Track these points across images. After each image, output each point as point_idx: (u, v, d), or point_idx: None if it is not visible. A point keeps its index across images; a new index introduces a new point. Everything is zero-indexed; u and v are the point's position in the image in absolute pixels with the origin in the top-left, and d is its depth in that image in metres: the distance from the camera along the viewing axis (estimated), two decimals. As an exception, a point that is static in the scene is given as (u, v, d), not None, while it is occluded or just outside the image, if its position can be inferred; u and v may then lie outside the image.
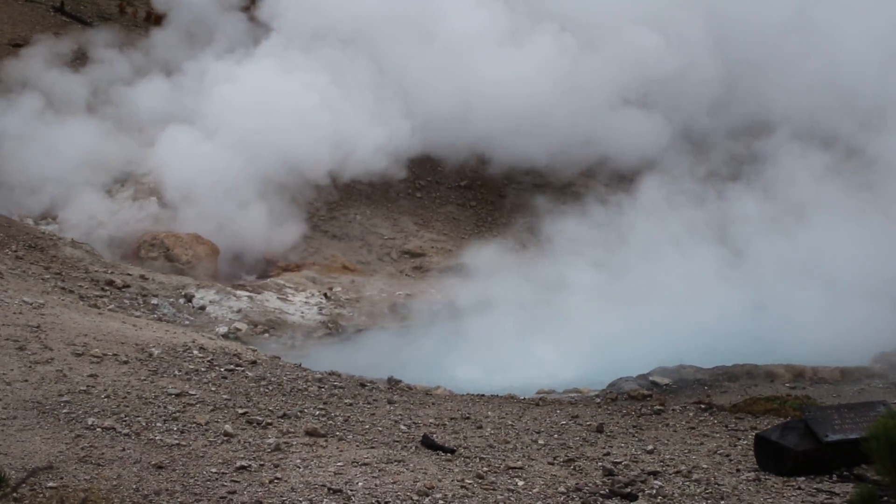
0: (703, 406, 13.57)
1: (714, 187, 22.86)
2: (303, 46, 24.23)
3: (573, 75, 24.77)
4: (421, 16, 24.93)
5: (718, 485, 10.29)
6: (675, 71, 25.22)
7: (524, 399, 14.35)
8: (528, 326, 18.04)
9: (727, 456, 11.38)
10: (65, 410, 10.71)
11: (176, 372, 12.58)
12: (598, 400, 14.37)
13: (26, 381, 11.31)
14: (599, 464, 10.98)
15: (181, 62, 24.81)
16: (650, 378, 15.15)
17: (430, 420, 12.32)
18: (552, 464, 10.99)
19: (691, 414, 13.27)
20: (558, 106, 24.52)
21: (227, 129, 22.20)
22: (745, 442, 11.83)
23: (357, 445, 10.96)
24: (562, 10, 25.41)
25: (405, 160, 24.43)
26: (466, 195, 25.04)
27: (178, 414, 11.11)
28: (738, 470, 10.86)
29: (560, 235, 21.42)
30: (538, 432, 12.21)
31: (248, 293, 18.78)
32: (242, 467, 9.80)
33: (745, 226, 20.40)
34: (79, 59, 25.48)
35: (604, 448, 11.68)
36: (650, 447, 11.69)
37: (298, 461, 10.14)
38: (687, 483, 10.34)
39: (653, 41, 25.19)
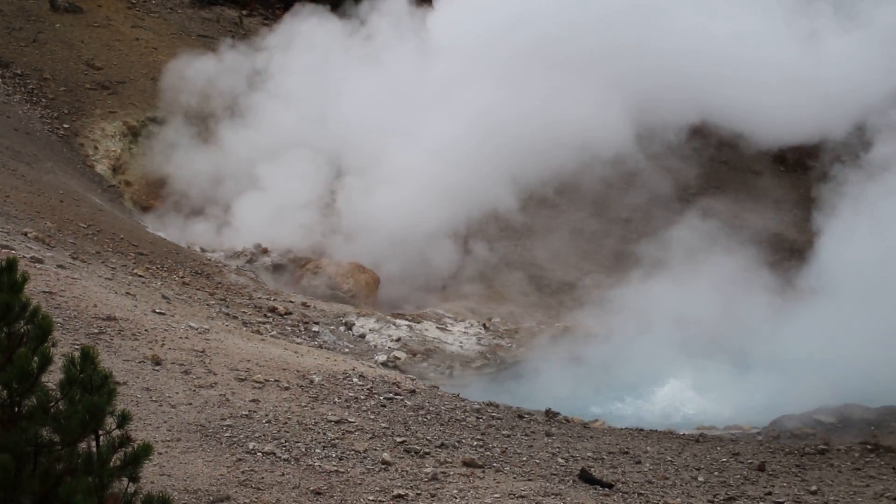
0: (869, 447, 13.19)
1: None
2: None
3: None
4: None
5: (886, 529, 10.00)
6: None
7: (684, 434, 14.14)
8: (686, 359, 17.70)
9: (894, 499, 11.03)
10: (227, 434, 10.90)
11: (336, 399, 12.71)
12: (760, 437, 14.07)
13: (190, 404, 11.54)
14: (761, 503, 10.75)
15: None
16: (814, 416, 14.76)
17: (588, 454, 12.22)
18: (712, 502, 10.81)
19: (857, 455, 12.92)
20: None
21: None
22: (914, 485, 11.48)
23: (514, 478, 10.91)
24: None
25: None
26: (628, 228, 24.68)
27: (337, 441, 11.22)
28: (906, 514, 10.55)
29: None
30: (698, 469, 12.03)
31: (407, 322, 18.89)
32: (399, 496, 9.85)
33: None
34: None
35: (765, 487, 11.44)
36: (813, 488, 11.42)
37: (455, 491, 10.14)
38: (853, 526, 10.07)
39: None
